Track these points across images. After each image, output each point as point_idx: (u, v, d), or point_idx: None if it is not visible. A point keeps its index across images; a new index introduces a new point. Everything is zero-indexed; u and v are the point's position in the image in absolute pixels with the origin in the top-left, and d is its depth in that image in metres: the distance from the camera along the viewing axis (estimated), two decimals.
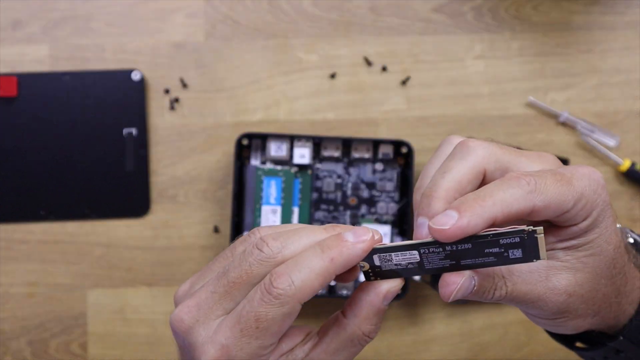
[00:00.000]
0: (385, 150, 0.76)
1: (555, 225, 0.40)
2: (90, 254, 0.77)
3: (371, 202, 0.76)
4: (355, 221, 0.76)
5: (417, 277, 0.75)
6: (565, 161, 0.77)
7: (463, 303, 0.78)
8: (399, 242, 0.39)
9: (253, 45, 0.78)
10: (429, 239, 0.38)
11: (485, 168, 0.40)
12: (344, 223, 0.76)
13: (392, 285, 0.40)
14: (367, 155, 0.76)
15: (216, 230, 0.78)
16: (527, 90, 0.79)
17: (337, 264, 0.38)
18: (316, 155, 0.76)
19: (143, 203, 0.77)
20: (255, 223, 0.75)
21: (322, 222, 0.76)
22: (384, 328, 0.78)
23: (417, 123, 0.78)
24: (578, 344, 0.48)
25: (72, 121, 0.77)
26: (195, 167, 0.78)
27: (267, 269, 0.38)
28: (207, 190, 0.78)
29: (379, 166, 0.76)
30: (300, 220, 0.76)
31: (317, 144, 0.76)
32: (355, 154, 0.76)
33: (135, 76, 0.77)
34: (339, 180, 0.76)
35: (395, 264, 0.39)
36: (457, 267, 0.38)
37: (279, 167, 0.76)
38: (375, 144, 0.76)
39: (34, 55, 0.77)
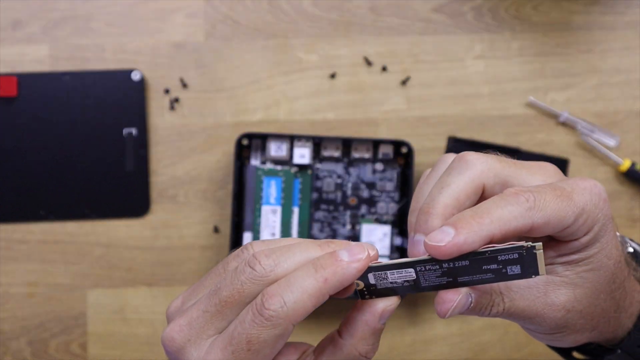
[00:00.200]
0: (385, 150, 0.76)
1: (555, 239, 0.40)
2: (90, 254, 0.77)
3: (371, 202, 0.76)
4: (355, 221, 0.76)
5: None
6: (565, 161, 0.76)
7: None
8: (394, 260, 0.37)
9: (253, 45, 0.78)
10: (425, 257, 0.37)
11: (484, 183, 0.39)
12: (344, 223, 0.76)
13: (387, 304, 0.38)
14: (367, 155, 0.76)
15: (216, 230, 0.78)
16: (527, 90, 0.79)
17: (330, 284, 0.36)
18: (316, 155, 0.76)
19: (143, 203, 0.77)
20: (255, 223, 0.75)
21: (322, 222, 0.76)
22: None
23: (417, 123, 0.78)
24: (575, 354, 0.48)
25: (72, 121, 0.77)
26: (195, 167, 0.78)
27: (259, 287, 0.37)
28: (207, 190, 0.78)
29: (379, 166, 0.76)
30: (300, 220, 0.76)
31: (317, 144, 0.76)
32: (355, 154, 0.76)
33: (135, 76, 0.77)
34: (339, 180, 0.76)
35: (391, 282, 0.38)
36: (454, 284, 0.37)
37: (279, 167, 0.76)
38: (375, 144, 0.76)
39: (34, 55, 0.77)
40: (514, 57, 0.79)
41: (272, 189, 0.75)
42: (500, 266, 0.36)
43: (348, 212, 0.76)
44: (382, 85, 0.78)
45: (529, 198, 0.37)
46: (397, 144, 0.76)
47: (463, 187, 0.39)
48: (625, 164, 0.78)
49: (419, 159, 0.77)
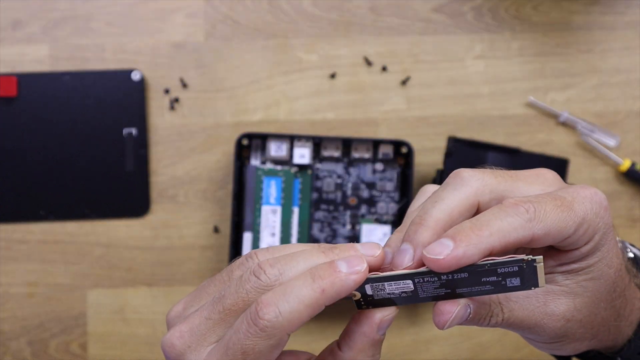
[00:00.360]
0: (385, 150, 0.76)
1: (555, 248, 0.39)
2: (90, 254, 0.77)
3: (371, 202, 0.76)
4: (355, 221, 0.76)
5: None
6: (565, 161, 0.76)
7: None
8: (392, 271, 0.37)
9: (253, 45, 0.78)
10: (424, 269, 0.36)
11: (478, 201, 0.38)
12: (344, 223, 0.76)
13: (385, 314, 0.38)
14: (367, 155, 0.76)
15: (216, 230, 0.78)
16: (527, 90, 0.79)
17: (327, 295, 0.36)
18: (316, 155, 0.76)
19: (143, 203, 0.77)
20: (255, 223, 0.75)
21: (322, 222, 0.76)
22: None
23: (417, 123, 0.78)
24: None
25: (72, 121, 0.77)
26: (195, 167, 0.78)
27: None
28: (207, 190, 0.78)
29: (379, 166, 0.76)
30: (300, 220, 0.76)
31: (317, 144, 0.76)
32: (355, 154, 0.76)
33: (135, 76, 0.77)
34: (339, 180, 0.76)
35: (389, 293, 0.37)
36: (452, 296, 0.37)
37: (279, 167, 0.76)
38: (375, 144, 0.76)
39: (34, 55, 0.77)
40: (514, 57, 0.79)
41: (272, 189, 0.75)
42: (500, 278, 0.36)
43: (348, 212, 0.76)
44: (382, 85, 0.78)
45: (529, 209, 0.36)
46: (397, 144, 0.76)
47: (457, 203, 0.38)
48: (625, 164, 0.78)
49: (419, 159, 0.77)
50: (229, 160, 0.77)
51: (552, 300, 0.39)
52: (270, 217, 0.75)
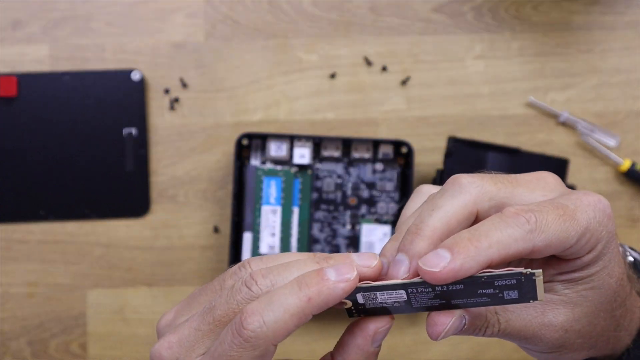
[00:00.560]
0: (385, 150, 0.76)
1: (555, 256, 0.37)
2: (90, 254, 0.77)
3: (371, 202, 0.76)
4: (355, 221, 0.76)
5: None
6: (565, 161, 0.76)
7: None
8: (385, 281, 0.35)
9: (253, 45, 0.78)
10: (418, 279, 0.35)
11: (477, 209, 0.37)
12: (344, 223, 0.76)
13: (379, 325, 0.36)
14: (367, 155, 0.76)
15: (216, 230, 0.78)
16: (527, 90, 0.79)
17: (314, 304, 0.35)
18: (316, 155, 0.76)
19: (143, 203, 0.77)
20: (255, 223, 0.75)
21: (322, 222, 0.76)
22: None
23: (417, 123, 0.78)
24: None
25: (72, 121, 0.77)
26: (195, 167, 0.78)
27: None
28: (207, 190, 0.78)
29: (379, 166, 0.76)
30: (300, 220, 0.76)
31: (317, 144, 0.76)
32: (355, 154, 0.76)
33: (135, 76, 0.77)
34: (339, 180, 0.76)
35: (381, 302, 0.36)
36: (447, 306, 0.36)
37: (279, 167, 0.76)
38: (375, 144, 0.76)
39: (34, 55, 0.77)
40: (514, 57, 0.79)
41: (272, 189, 0.75)
42: (497, 291, 0.34)
43: (348, 212, 0.76)
44: (382, 85, 0.78)
45: (530, 219, 0.35)
46: (397, 144, 0.76)
47: (455, 212, 0.36)
48: (626, 164, 0.78)
49: (419, 159, 0.77)
50: (229, 160, 0.77)
51: (551, 310, 0.38)
52: (270, 217, 0.75)
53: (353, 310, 0.36)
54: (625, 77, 0.79)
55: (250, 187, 0.75)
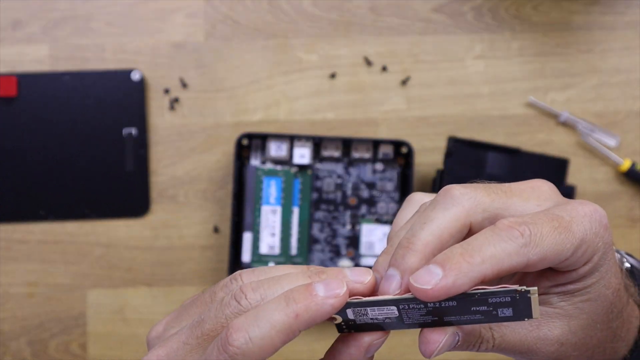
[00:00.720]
0: (385, 150, 0.76)
1: (550, 268, 0.37)
2: (90, 254, 0.77)
3: (371, 202, 0.76)
4: (355, 221, 0.76)
5: None
6: (565, 161, 0.76)
7: None
8: (376, 297, 0.35)
9: (253, 45, 0.78)
10: (409, 295, 0.34)
11: (470, 221, 0.36)
12: (344, 223, 0.76)
13: (374, 338, 0.35)
14: (367, 155, 0.76)
15: (216, 230, 0.78)
16: (527, 90, 0.79)
17: (302, 320, 0.34)
18: (316, 155, 0.76)
19: (143, 203, 0.77)
20: (255, 223, 0.75)
21: (322, 222, 0.76)
22: None
23: (417, 123, 0.78)
24: None
25: (72, 121, 0.77)
26: (195, 167, 0.78)
27: None
28: (207, 190, 0.78)
29: (379, 166, 0.76)
30: (300, 220, 0.76)
31: (317, 144, 0.76)
32: (355, 154, 0.76)
33: (135, 76, 0.77)
34: (339, 180, 0.76)
35: (372, 318, 0.35)
36: (439, 323, 0.35)
37: (279, 167, 0.76)
38: (375, 144, 0.76)
39: (33, 55, 0.77)
40: (514, 57, 0.79)
41: (272, 189, 0.75)
42: (491, 308, 0.34)
43: (348, 212, 0.76)
44: (382, 85, 0.78)
45: (524, 232, 0.34)
46: (397, 144, 0.76)
47: (447, 225, 0.35)
48: (626, 164, 0.78)
49: (419, 159, 0.77)
50: (229, 160, 0.77)
51: (546, 324, 0.37)
52: (270, 217, 0.75)
53: (343, 325, 0.36)
54: (625, 77, 0.79)
55: (250, 187, 0.75)
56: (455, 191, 0.36)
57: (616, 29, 0.79)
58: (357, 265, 0.76)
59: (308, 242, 0.76)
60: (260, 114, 0.78)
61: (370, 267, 0.37)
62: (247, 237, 0.75)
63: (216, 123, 0.78)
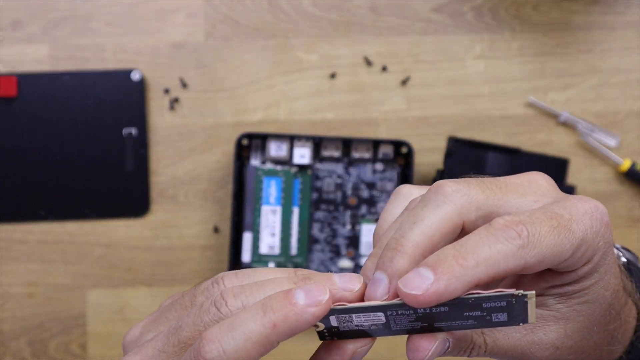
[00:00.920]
0: (385, 150, 0.76)
1: (547, 269, 0.34)
2: (90, 254, 0.77)
3: (371, 202, 0.76)
4: (355, 221, 0.76)
5: None
6: (565, 162, 0.76)
7: None
8: (362, 303, 0.32)
9: (253, 45, 0.78)
10: (398, 301, 0.32)
11: (463, 221, 0.34)
12: (344, 223, 0.76)
13: (359, 346, 0.33)
14: (367, 155, 0.76)
15: (216, 230, 0.78)
16: (527, 90, 0.79)
17: (280, 331, 0.31)
18: (316, 155, 0.76)
19: (143, 203, 0.77)
20: (255, 223, 0.75)
21: (322, 222, 0.76)
22: None
23: (417, 123, 0.78)
24: None
25: (72, 121, 0.77)
26: (195, 167, 0.78)
27: None
28: (207, 190, 0.78)
29: (379, 166, 0.76)
30: (300, 220, 0.76)
31: (317, 144, 0.76)
32: (355, 154, 0.76)
33: (135, 76, 0.77)
34: (339, 180, 0.76)
35: (357, 325, 0.33)
36: (429, 329, 0.33)
37: (279, 167, 0.76)
38: (375, 144, 0.76)
39: (33, 55, 0.77)
40: (514, 57, 0.79)
41: (272, 189, 0.75)
42: (485, 313, 0.32)
43: (348, 212, 0.76)
44: (382, 85, 0.78)
45: (522, 232, 0.32)
46: (397, 144, 0.76)
47: (438, 225, 0.33)
48: (626, 164, 0.78)
49: (419, 159, 0.77)
50: (229, 160, 0.77)
51: (541, 327, 0.35)
52: (270, 217, 0.75)
53: (325, 333, 0.33)
54: (625, 77, 0.79)
55: (250, 187, 0.75)
56: (447, 188, 0.34)
57: (616, 29, 0.79)
58: (357, 265, 0.76)
59: (308, 242, 0.76)
60: (260, 114, 0.78)
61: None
62: (247, 237, 0.75)
63: (216, 123, 0.78)
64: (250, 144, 0.76)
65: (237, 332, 0.31)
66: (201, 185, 0.78)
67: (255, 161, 0.76)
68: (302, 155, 0.75)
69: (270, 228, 0.75)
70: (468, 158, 0.75)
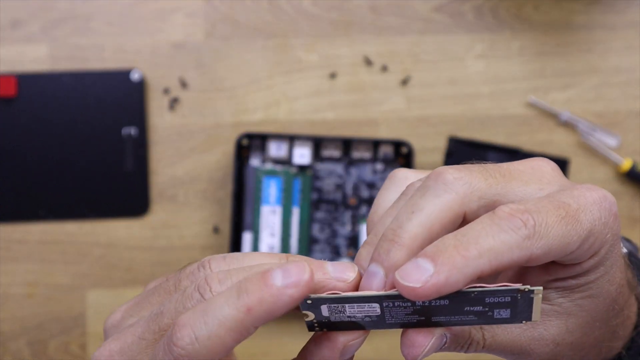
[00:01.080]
0: (386, 150, 0.76)
1: (551, 261, 0.33)
2: (90, 254, 0.77)
3: (371, 202, 0.76)
4: (355, 221, 0.76)
5: None
6: (565, 162, 0.76)
7: None
8: (356, 292, 0.30)
9: (253, 45, 0.78)
10: (394, 292, 0.30)
11: (465, 211, 0.32)
12: (344, 223, 0.76)
13: (350, 339, 0.31)
14: (367, 155, 0.76)
15: (216, 230, 0.77)
16: (527, 90, 0.79)
17: (255, 315, 0.29)
18: (316, 155, 0.76)
19: (143, 203, 0.77)
20: (255, 223, 0.75)
21: (322, 222, 0.76)
22: None
23: (417, 123, 0.78)
24: None
25: (72, 121, 0.77)
26: (195, 167, 0.78)
27: None
28: (207, 190, 0.78)
29: (379, 166, 0.76)
30: (300, 220, 0.75)
31: (317, 144, 0.76)
32: (355, 154, 0.76)
33: (135, 76, 0.77)
34: (339, 180, 0.76)
35: (349, 316, 0.31)
36: (426, 323, 0.31)
37: (279, 167, 0.76)
38: (376, 144, 0.76)
39: (33, 55, 0.77)
40: (515, 56, 0.79)
41: (272, 189, 0.75)
42: (487, 308, 0.30)
43: (348, 213, 0.76)
44: (382, 85, 0.78)
45: (528, 221, 0.30)
46: (397, 144, 0.76)
47: (438, 214, 0.31)
48: (626, 164, 0.77)
49: (419, 159, 0.77)
50: (229, 160, 0.77)
51: (542, 322, 0.34)
52: (270, 217, 0.75)
53: (315, 323, 0.31)
54: (626, 76, 0.79)
55: (250, 187, 0.75)
56: (448, 175, 0.32)
57: (617, 29, 0.79)
58: None
59: (308, 242, 0.76)
60: (260, 114, 0.78)
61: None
62: (247, 237, 0.75)
63: (216, 123, 0.78)
64: (250, 144, 0.76)
65: (210, 318, 0.29)
66: (201, 185, 0.78)
67: (255, 161, 0.76)
68: (302, 155, 0.75)
69: (270, 228, 0.75)
70: (468, 158, 0.75)
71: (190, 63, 0.78)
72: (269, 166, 0.76)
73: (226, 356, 0.32)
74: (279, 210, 0.75)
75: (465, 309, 0.30)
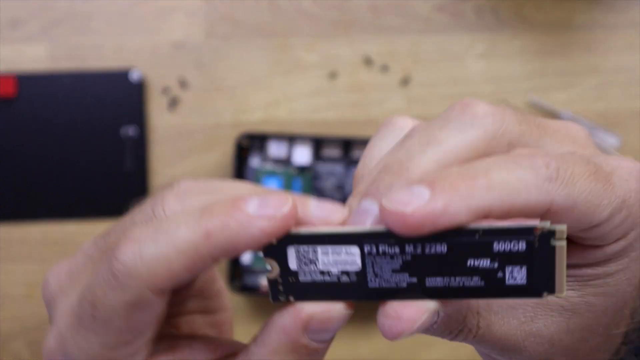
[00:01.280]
0: None
1: (569, 239, 0.26)
2: None
3: None
4: None
5: None
6: None
7: None
8: (329, 227, 0.25)
9: (253, 44, 0.78)
10: (380, 228, 0.24)
11: (490, 153, 0.26)
12: None
13: (319, 310, 0.25)
14: None
15: None
16: (528, 90, 0.79)
17: (214, 242, 0.24)
18: (316, 155, 0.76)
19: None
20: None
21: None
22: None
23: None
24: None
25: (72, 121, 0.76)
26: (195, 167, 0.78)
27: None
28: None
29: None
30: None
31: (317, 144, 0.76)
32: (356, 154, 0.76)
33: (134, 76, 0.76)
34: (339, 181, 0.76)
35: (322, 271, 0.25)
36: (417, 292, 0.24)
37: (279, 167, 0.76)
38: None
39: (32, 55, 0.77)
40: (515, 56, 0.79)
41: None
42: (495, 264, 0.23)
43: None
44: (382, 85, 0.78)
45: (550, 164, 0.24)
46: None
47: (459, 151, 0.25)
48: None
49: None
50: (229, 160, 0.77)
51: (543, 317, 0.28)
52: None
53: (279, 283, 0.25)
54: (626, 76, 0.79)
55: None
56: (479, 108, 0.26)
57: (618, 28, 0.79)
58: None
59: None
60: (260, 113, 0.78)
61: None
62: None
63: (216, 123, 0.77)
64: (250, 144, 0.75)
65: (162, 235, 0.24)
66: None
67: (255, 161, 0.76)
68: (302, 155, 0.75)
69: None
70: None
71: (190, 63, 0.77)
72: (268, 166, 0.76)
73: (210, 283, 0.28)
74: None
75: (469, 263, 0.24)
